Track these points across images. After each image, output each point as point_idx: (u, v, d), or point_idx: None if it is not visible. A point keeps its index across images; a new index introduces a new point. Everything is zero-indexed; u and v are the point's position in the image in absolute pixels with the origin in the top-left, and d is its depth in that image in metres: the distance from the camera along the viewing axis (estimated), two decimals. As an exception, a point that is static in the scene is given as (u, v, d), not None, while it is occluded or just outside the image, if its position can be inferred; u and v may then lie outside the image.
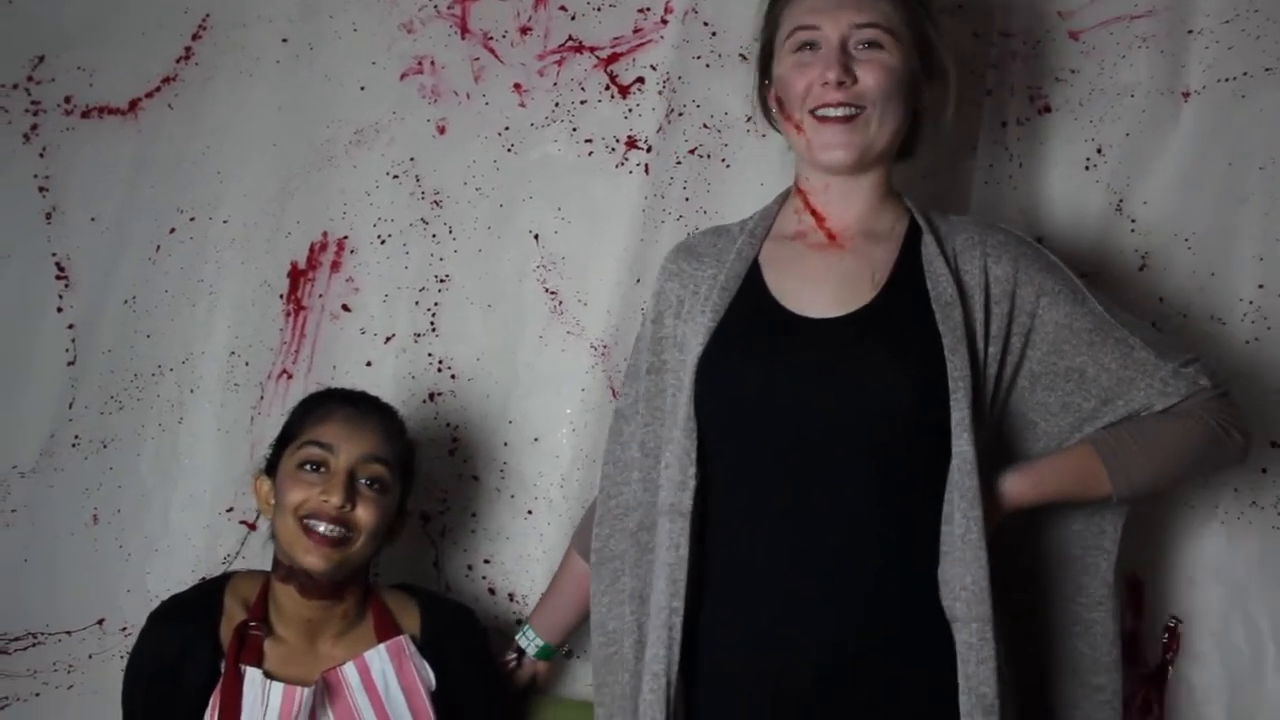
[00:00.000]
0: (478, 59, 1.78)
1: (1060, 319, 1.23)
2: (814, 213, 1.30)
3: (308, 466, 1.40)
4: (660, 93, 1.69)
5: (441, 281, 1.74)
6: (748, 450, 1.21)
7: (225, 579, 1.47)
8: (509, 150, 1.74)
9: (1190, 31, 1.54)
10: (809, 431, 1.18)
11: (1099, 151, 1.55)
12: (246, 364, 1.78)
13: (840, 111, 1.24)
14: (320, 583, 1.38)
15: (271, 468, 1.46)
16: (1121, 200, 1.54)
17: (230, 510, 1.75)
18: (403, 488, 1.46)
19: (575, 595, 1.45)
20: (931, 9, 1.35)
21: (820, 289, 1.25)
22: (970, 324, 1.21)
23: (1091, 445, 1.22)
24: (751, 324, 1.25)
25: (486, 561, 1.68)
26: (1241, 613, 1.41)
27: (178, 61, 1.87)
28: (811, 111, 1.25)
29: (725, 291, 1.27)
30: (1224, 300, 1.47)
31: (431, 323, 1.73)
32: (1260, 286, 1.45)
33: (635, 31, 1.73)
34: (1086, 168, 1.55)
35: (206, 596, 1.44)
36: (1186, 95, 1.53)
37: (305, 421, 1.44)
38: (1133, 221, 1.53)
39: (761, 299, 1.26)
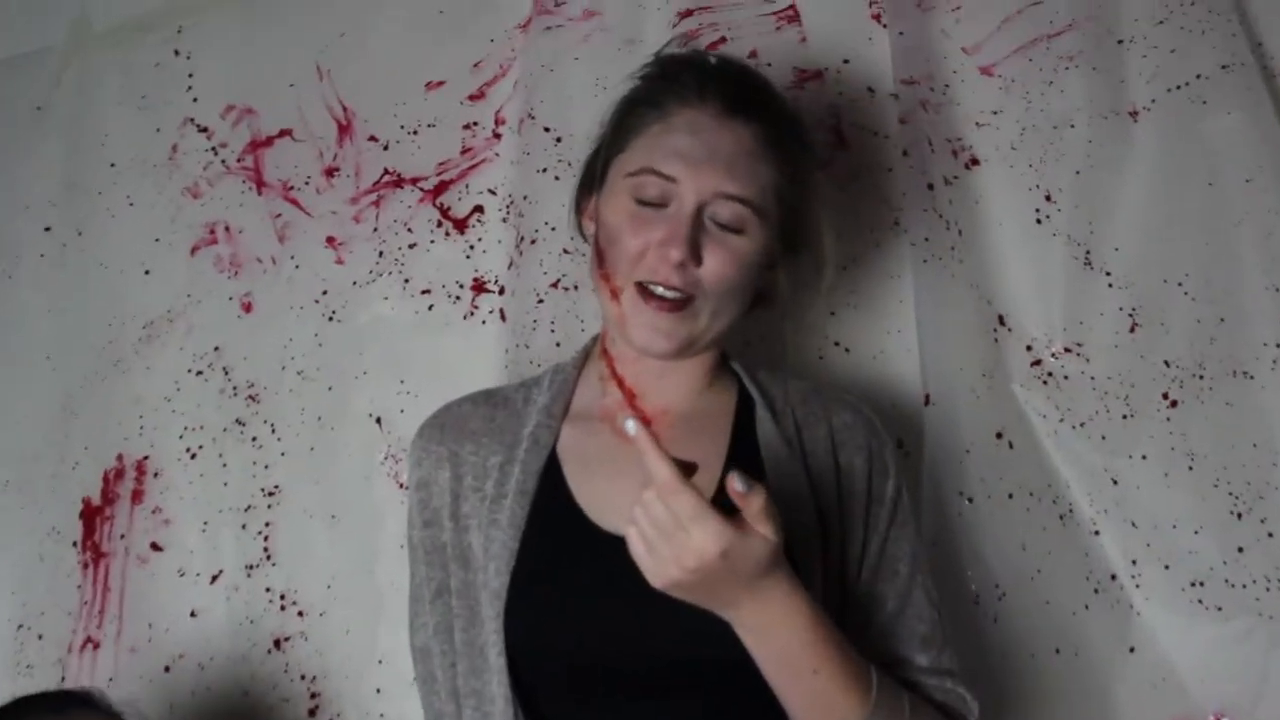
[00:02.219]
0: (279, 215, 1.54)
1: (895, 551, 1.06)
2: (622, 385, 1.09)
3: None
4: (505, 220, 1.45)
5: (271, 495, 1.46)
6: (567, 687, 1.02)
7: None
8: (331, 319, 1.48)
9: (1120, 41, 1.30)
10: (633, 669, 0.99)
11: (1048, 199, 1.29)
12: (40, 638, 1.50)
13: (670, 295, 1.02)
14: None
15: None
16: (1089, 252, 1.27)
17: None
18: None
19: None
20: (814, 172, 1.12)
21: (636, 497, 0.98)
22: (824, 522, 1.03)
23: (874, 676, 0.95)
24: (559, 545, 1.03)
25: (376, 843, 1.32)
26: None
27: (-83, 268, 1.63)
28: (639, 284, 1.03)
29: (523, 496, 1.04)
30: (1245, 350, 1.22)
31: (265, 549, 1.44)
32: (1286, 326, 1.17)
33: (464, 152, 1.49)
34: (1038, 220, 1.28)
35: None
36: (1134, 114, 1.28)
37: None
38: (1108, 275, 1.26)
39: (566, 510, 1.04)
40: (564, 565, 1.01)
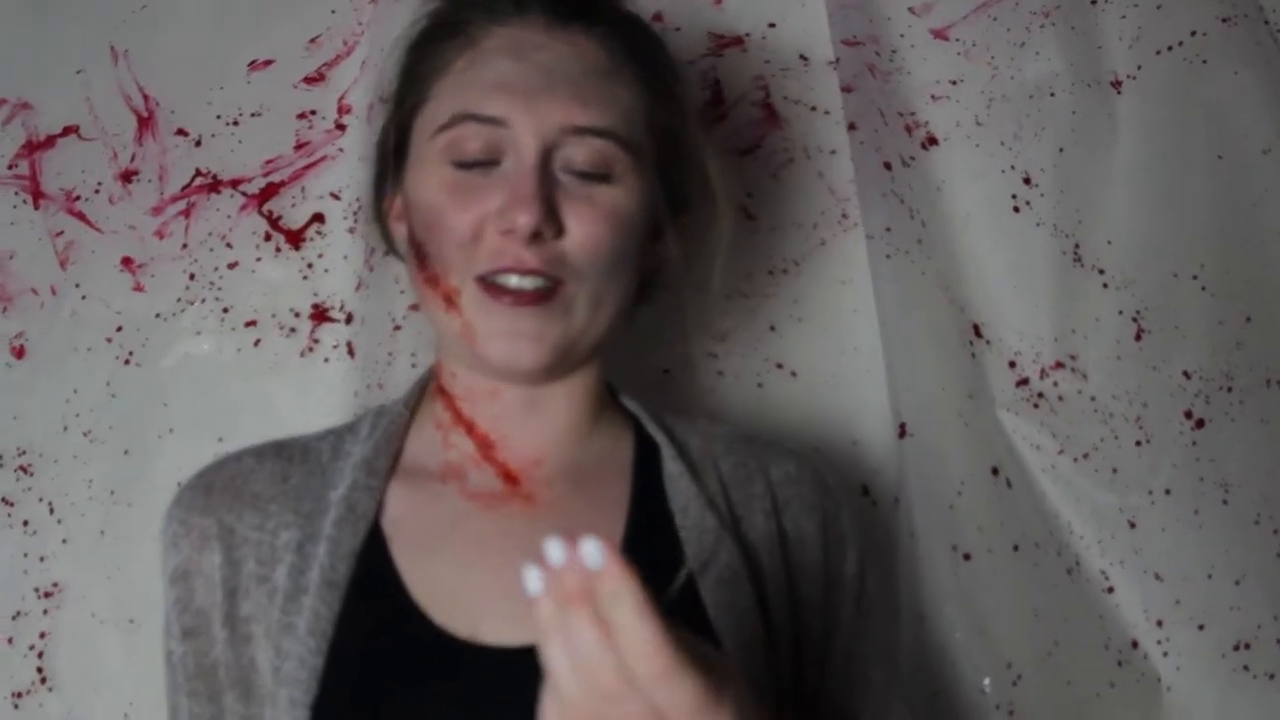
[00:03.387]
0: (61, 233, 1.22)
1: (863, 649, 0.82)
2: (472, 432, 0.80)
3: None
4: (352, 230, 1.17)
5: (48, 596, 1.15)
6: None
7: None
8: (128, 362, 1.18)
9: (1094, 1, 1.10)
10: None
11: (1027, 182, 1.07)
12: None
13: (531, 284, 0.73)
14: None
15: None
16: (1078, 245, 1.05)
17: None
18: None
19: None
20: (688, 88, 0.85)
21: (502, 589, 0.72)
22: (769, 612, 0.76)
23: None
24: (387, 660, 0.72)
25: None
26: None
27: None
28: (481, 278, 0.74)
29: (331, 589, 0.73)
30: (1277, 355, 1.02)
31: (40, 669, 1.13)
32: (1327, 319, 0.98)
33: (298, 148, 1.21)
34: (1016, 208, 1.06)
35: None
36: (1117, 84, 1.08)
37: None
38: (1101, 272, 1.04)
39: (396, 607, 0.73)
40: (395, 690, 0.70)
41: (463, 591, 0.73)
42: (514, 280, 0.72)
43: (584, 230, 0.73)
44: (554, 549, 0.52)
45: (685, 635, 0.54)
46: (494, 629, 0.71)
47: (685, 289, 0.83)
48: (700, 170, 0.82)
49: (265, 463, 0.80)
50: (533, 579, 0.52)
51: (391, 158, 0.82)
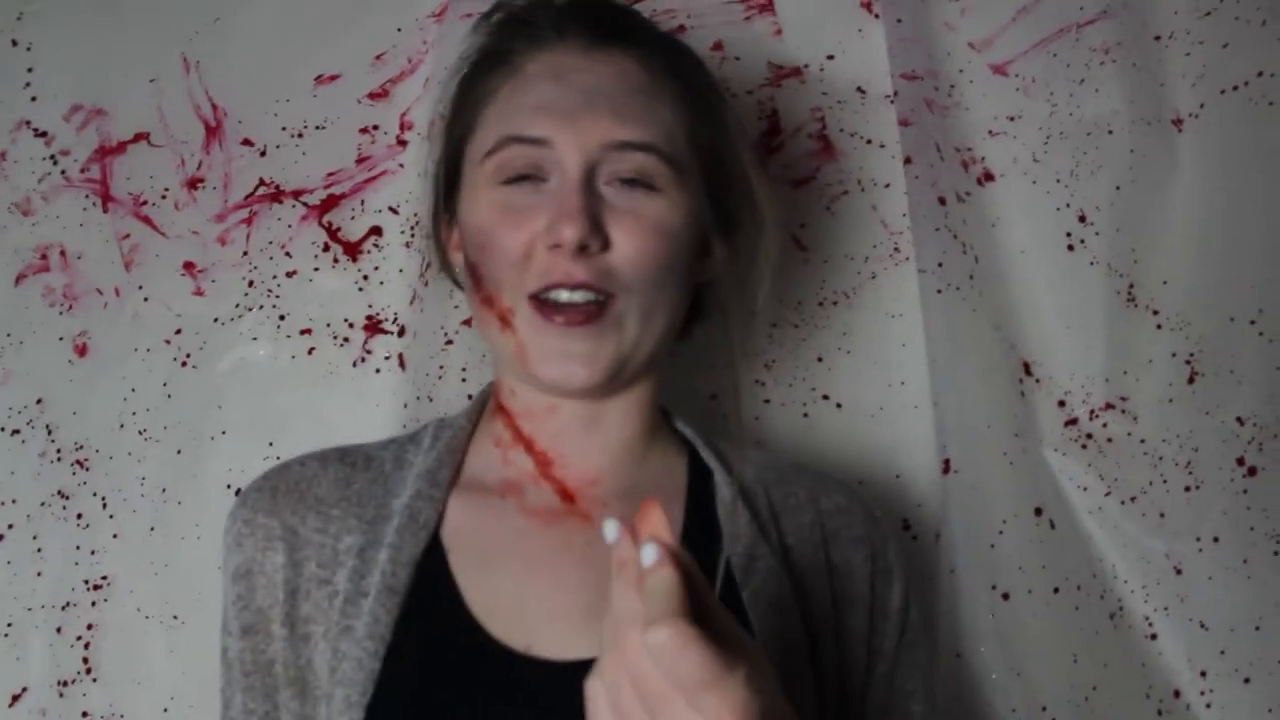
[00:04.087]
0: (128, 235, 1.24)
1: (906, 683, 0.82)
2: (531, 450, 0.81)
3: None
4: (409, 245, 1.18)
5: (97, 589, 1.16)
6: None
7: None
8: (185, 364, 1.19)
9: (1157, 38, 1.08)
10: None
11: (1082, 220, 1.05)
12: None
13: (581, 297, 0.75)
14: None
15: None
16: (1132, 285, 1.03)
17: None
18: None
19: None
20: (728, 109, 0.85)
21: (558, 604, 0.75)
22: (817, 641, 0.77)
23: None
24: (442, 667, 0.73)
25: None
26: None
27: None
28: (534, 295, 0.75)
29: (391, 595, 0.74)
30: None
31: (86, 660, 1.14)
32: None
33: (360, 162, 1.22)
34: (1070, 246, 1.05)
35: None
36: (1179, 123, 1.06)
37: None
38: (1155, 313, 1.02)
39: (453, 617, 0.75)
40: (449, 697, 0.71)
41: (520, 605, 0.74)
42: (564, 295, 0.74)
43: (630, 242, 0.74)
44: (609, 529, 0.55)
45: (722, 618, 0.54)
46: (550, 643, 0.72)
47: (732, 310, 0.84)
48: (747, 190, 0.83)
49: (329, 468, 0.81)
50: (610, 528, 0.55)
51: (444, 187, 0.84)
